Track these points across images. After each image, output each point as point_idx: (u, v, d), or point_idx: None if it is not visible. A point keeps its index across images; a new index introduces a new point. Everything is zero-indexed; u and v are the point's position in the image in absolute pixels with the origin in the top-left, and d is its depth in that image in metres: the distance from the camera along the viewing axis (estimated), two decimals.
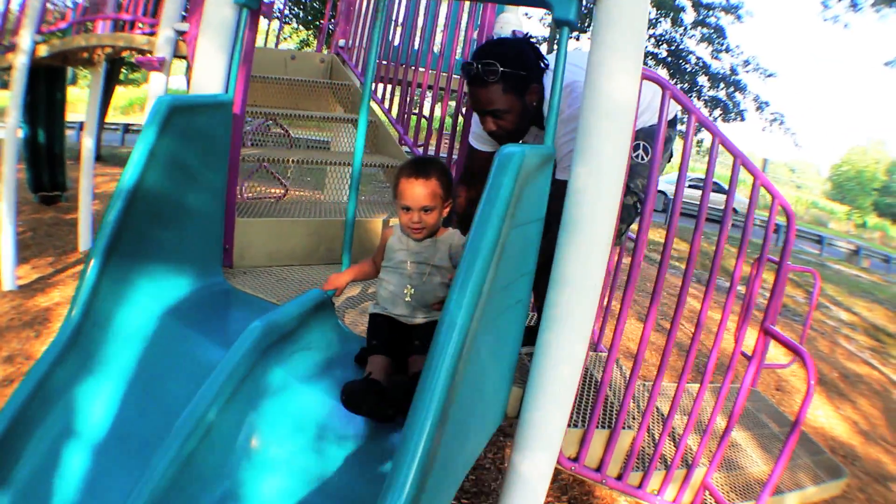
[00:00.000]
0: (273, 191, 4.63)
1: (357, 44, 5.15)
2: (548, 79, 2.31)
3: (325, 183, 5.65)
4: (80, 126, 16.07)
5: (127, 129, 20.08)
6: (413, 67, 4.35)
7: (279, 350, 1.83)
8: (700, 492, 2.67)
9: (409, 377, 1.86)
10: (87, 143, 6.46)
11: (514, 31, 3.11)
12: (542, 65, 2.31)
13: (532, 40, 2.38)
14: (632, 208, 2.51)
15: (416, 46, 4.38)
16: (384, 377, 1.81)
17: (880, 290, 16.09)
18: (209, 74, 2.20)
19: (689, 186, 19.09)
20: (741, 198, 22.65)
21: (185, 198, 2.09)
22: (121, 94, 24.91)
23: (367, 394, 1.67)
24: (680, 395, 2.52)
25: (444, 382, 1.32)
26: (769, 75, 18.70)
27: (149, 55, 4.07)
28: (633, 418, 2.74)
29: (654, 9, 17.04)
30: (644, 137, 2.48)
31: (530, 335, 2.09)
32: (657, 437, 2.75)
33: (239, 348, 1.71)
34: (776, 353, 5.84)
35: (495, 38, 3.16)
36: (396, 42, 4.66)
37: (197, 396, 1.63)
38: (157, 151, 1.90)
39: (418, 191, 1.99)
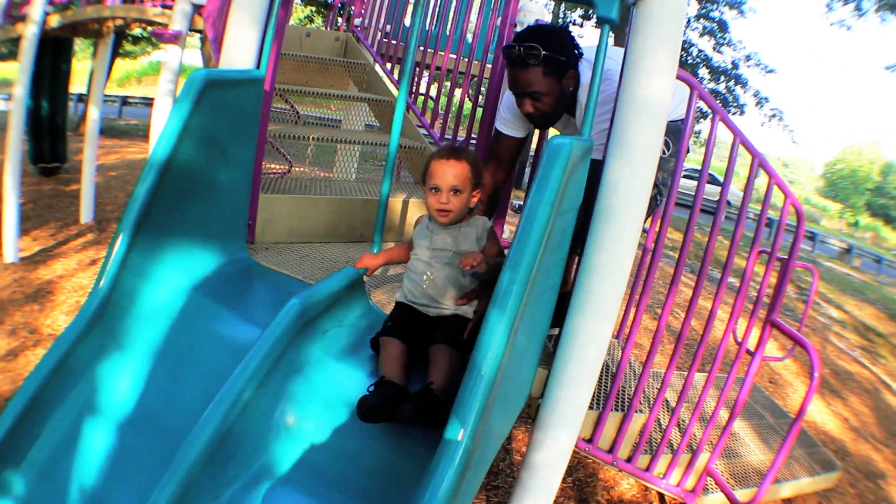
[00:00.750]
0: (274, 167, 4.62)
1: (373, 24, 5.14)
2: (583, 66, 2.39)
3: (334, 161, 5.67)
4: (78, 98, 15.98)
5: (125, 101, 19.92)
6: (433, 51, 4.37)
7: (314, 327, 1.86)
8: (703, 477, 2.74)
9: (428, 372, 1.78)
10: (93, 115, 6.42)
11: (536, 20, 3.14)
12: (577, 52, 2.38)
13: (569, 29, 2.42)
14: (652, 200, 2.56)
15: (437, 30, 4.40)
16: (398, 369, 1.77)
17: (871, 290, 16.25)
18: (240, 49, 2.21)
19: (685, 177, 19.22)
20: (735, 190, 22.85)
21: (215, 172, 2.10)
22: (117, 66, 24.72)
23: (382, 409, 1.61)
24: (688, 387, 2.59)
25: (488, 378, 1.36)
26: (770, 71, 18.80)
27: (163, 28, 4.06)
28: (643, 405, 2.80)
29: None
30: (666, 132, 2.53)
31: (554, 317, 2.14)
32: (664, 425, 2.83)
33: (278, 325, 1.73)
34: (769, 347, 5.93)
35: (518, 25, 3.20)
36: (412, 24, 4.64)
37: (235, 373, 1.64)
38: (191, 125, 1.90)
39: (449, 171, 2.00)
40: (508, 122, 2.70)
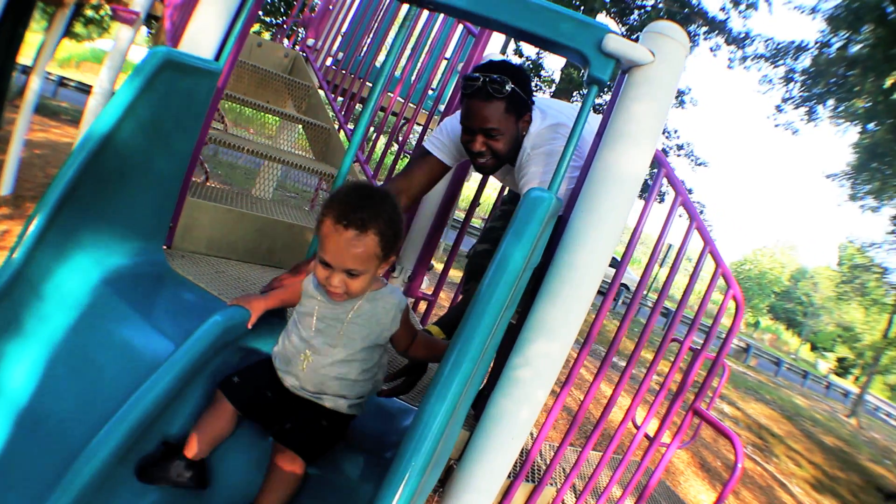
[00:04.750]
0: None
1: (324, 48, 5.05)
2: (534, 113, 2.26)
3: (253, 184, 5.53)
4: (22, 69, 15.20)
5: (62, 82, 19.12)
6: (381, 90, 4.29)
7: (231, 351, 1.73)
8: None
9: (263, 484, 1.57)
10: (35, 86, 6.08)
11: None
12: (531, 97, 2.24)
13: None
14: None
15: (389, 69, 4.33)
16: (206, 444, 1.58)
17: (767, 391, 16.94)
18: (204, 38, 2.07)
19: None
20: (633, 275, 23.63)
21: (152, 161, 1.92)
22: (62, 46, 23.90)
23: (150, 476, 1.54)
24: (600, 470, 2.52)
25: (437, 431, 1.27)
26: (700, 164, 19.57)
27: (124, 6, 3.84)
28: (552, 483, 2.71)
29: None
30: None
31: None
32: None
33: (196, 342, 1.61)
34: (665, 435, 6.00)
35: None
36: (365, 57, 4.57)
37: (144, 386, 1.53)
38: (138, 104, 1.73)
39: (344, 247, 1.47)
40: (444, 147, 2.45)
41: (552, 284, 1.77)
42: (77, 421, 1.57)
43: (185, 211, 2.48)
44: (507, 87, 2.05)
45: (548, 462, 2.85)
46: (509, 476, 2.29)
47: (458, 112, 2.35)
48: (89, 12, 13.63)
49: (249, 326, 1.72)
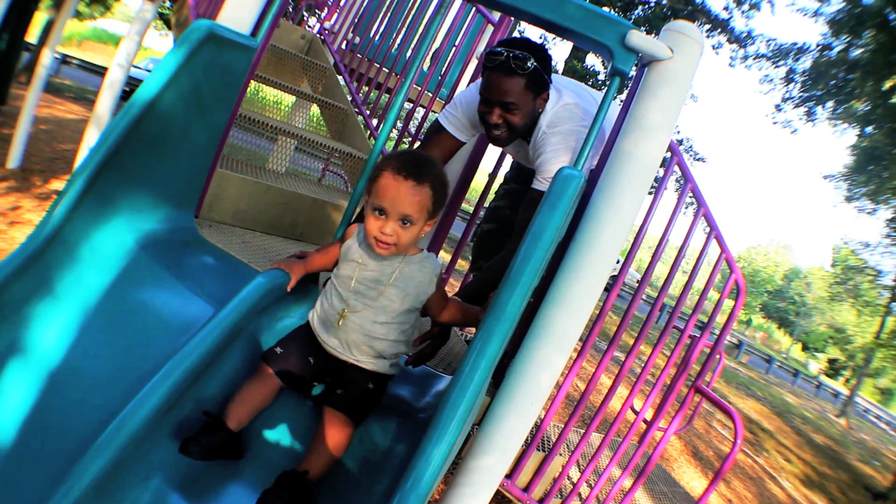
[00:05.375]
0: None
1: (341, 32, 5.11)
2: (551, 91, 2.34)
3: (268, 157, 5.62)
4: (25, 47, 15.21)
5: (65, 59, 19.05)
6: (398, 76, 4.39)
7: (270, 312, 1.80)
8: None
9: (312, 444, 1.62)
10: (46, 61, 6.16)
11: None
12: (550, 77, 2.32)
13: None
14: None
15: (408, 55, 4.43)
16: (246, 412, 1.60)
17: (758, 387, 17.09)
18: (240, 14, 2.14)
19: None
20: (635, 274, 23.78)
21: (189, 130, 1.99)
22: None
23: (203, 456, 1.51)
24: (601, 451, 2.63)
25: (474, 391, 1.38)
26: (698, 159, 19.66)
27: None
28: (560, 454, 2.81)
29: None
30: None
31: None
32: (574, 480, 2.86)
33: (242, 300, 1.68)
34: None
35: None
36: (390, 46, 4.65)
37: (193, 342, 1.58)
38: (181, 74, 1.80)
39: (405, 195, 1.59)
40: (458, 122, 2.54)
41: (574, 258, 1.85)
42: (113, 379, 1.59)
43: (213, 181, 2.55)
44: (530, 64, 2.14)
45: (554, 440, 2.95)
46: (523, 445, 2.40)
47: (472, 86, 2.49)
48: None
49: (289, 289, 1.80)
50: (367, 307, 1.68)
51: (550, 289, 1.88)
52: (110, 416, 1.48)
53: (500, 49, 2.16)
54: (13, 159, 6.40)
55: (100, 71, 19.21)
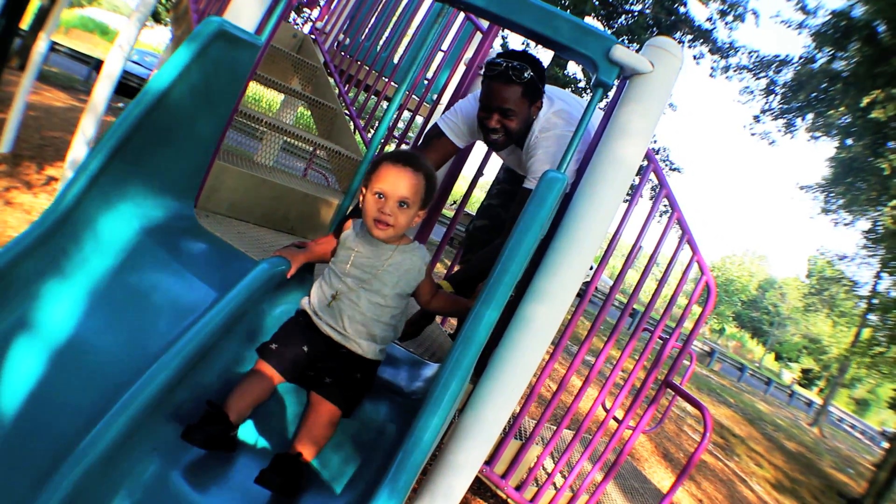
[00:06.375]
0: None
1: (332, 32, 5.21)
2: (543, 100, 2.54)
3: (254, 155, 5.73)
4: (18, 33, 15.12)
5: (53, 47, 18.93)
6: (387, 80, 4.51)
7: (271, 299, 1.90)
8: None
9: (302, 425, 1.70)
10: (41, 46, 6.22)
11: None
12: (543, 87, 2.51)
13: None
14: None
15: (396, 60, 4.55)
16: (246, 405, 1.67)
17: (729, 394, 17.33)
18: (244, 12, 2.25)
19: None
20: (607, 280, 24.03)
21: (196, 122, 2.09)
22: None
23: (206, 444, 1.57)
24: (573, 445, 2.76)
25: (464, 372, 1.51)
26: (674, 169, 19.85)
27: None
28: (536, 444, 2.94)
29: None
30: None
31: None
32: (549, 470, 2.99)
33: (247, 284, 1.78)
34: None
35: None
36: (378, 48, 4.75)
37: (202, 321, 1.67)
38: (193, 67, 1.90)
39: (403, 179, 1.79)
40: (457, 128, 2.72)
41: (555, 254, 1.98)
42: (119, 358, 1.66)
43: (212, 173, 2.65)
44: (527, 74, 2.34)
45: (529, 433, 3.08)
46: (501, 434, 2.52)
47: (471, 96, 2.67)
48: None
49: (289, 276, 1.93)
50: (361, 289, 1.82)
51: (532, 283, 2.00)
52: (116, 392, 1.54)
53: (499, 60, 2.36)
54: (5, 144, 6.46)
55: (87, 60, 19.11)
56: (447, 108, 3.30)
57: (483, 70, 2.45)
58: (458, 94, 3.48)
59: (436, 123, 2.79)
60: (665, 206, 3.05)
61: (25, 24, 12.86)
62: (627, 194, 2.33)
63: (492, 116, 2.45)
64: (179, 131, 2.04)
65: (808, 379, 46.78)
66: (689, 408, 11.93)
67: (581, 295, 2.58)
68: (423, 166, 1.84)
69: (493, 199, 3.17)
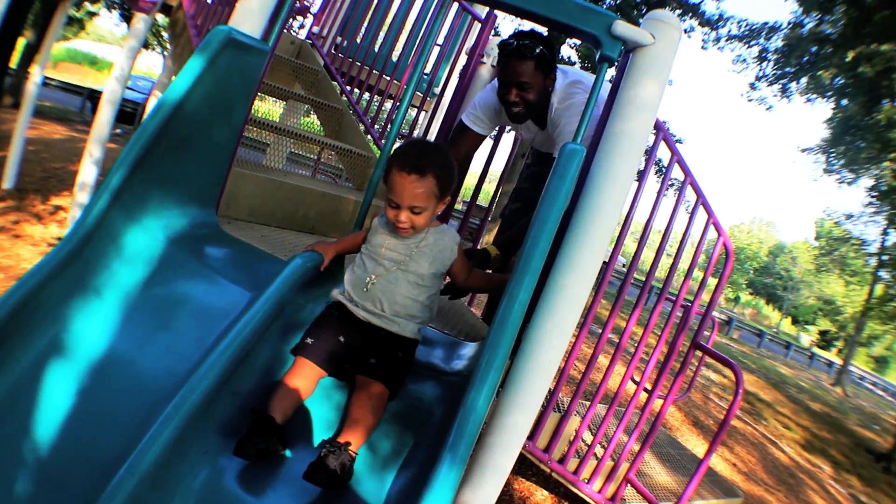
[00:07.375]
0: None
1: (329, 35, 5.25)
2: (557, 73, 2.71)
3: (265, 152, 5.80)
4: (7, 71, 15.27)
5: (45, 81, 19.08)
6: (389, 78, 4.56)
7: (307, 292, 1.94)
8: (622, 486, 2.92)
9: (349, 413, 1.69)
10: (35, 79, 6.29)
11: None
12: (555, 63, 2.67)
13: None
14: None
15: (396, 58, 4.60)
16: (290, 406, 1.66)
17: (751, 360, 17.34)
18: (250, 20, 2.28)
19: None
20: (622, 258, 24.02)
21: (212, 130, 2.13)
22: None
23: (258, 456, 1.54)
24: (608, 418, 2.79)
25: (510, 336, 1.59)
26: (677, 141, 19.87)
27: None
28: (577, 413, 2.98)
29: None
30: None
31: None
32: (588, 442, 3.02)
33: (284, 280, 1.82)
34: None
35: (485, 56, 3.49)
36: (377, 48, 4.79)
37: (242, 321, 1.69)
38: (205, 77, 1.94)
39: (409, 189, 1.81)
40: (479, 118, 2.93)
41: (579, 224, 2.02)
42: (159, 369, 1.66)
43: (230, 180, 2.69)
44: (537, 49, 2.51)
45: (566, 408, 3.12)
46: (540, 408, 2.55)
47: (488, 87, 2.89)
48: (72, 11, 13.64)
49: (323, 268, 1.99)
50: (399, 270, 1.89)
51: (559, 254, 2.04)
52: (157, 403, 1.54)
53: (510, 40, 2.55)
54: (8, 180, 6.57)
55: (79, 91, 19.21)
56: (455, 94, 3.49)
57: (498, 52, 2.62)
58: (465, 83, 3.51)
59: (460, 119, 3.01)
60: (673, 180, 3.10)
61: (13, 62, 12.93)
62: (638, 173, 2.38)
63: (510, 91, 2.63)
64: (197, 139, 2.07)
65: (825, 340, 46.70)
66: (713, 376, 11.97)
67: (600, 275, 2.61)
68: (431, 166, 1.83)
69: (524, 183, 3.37)
